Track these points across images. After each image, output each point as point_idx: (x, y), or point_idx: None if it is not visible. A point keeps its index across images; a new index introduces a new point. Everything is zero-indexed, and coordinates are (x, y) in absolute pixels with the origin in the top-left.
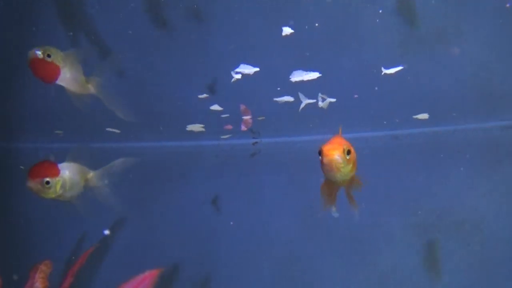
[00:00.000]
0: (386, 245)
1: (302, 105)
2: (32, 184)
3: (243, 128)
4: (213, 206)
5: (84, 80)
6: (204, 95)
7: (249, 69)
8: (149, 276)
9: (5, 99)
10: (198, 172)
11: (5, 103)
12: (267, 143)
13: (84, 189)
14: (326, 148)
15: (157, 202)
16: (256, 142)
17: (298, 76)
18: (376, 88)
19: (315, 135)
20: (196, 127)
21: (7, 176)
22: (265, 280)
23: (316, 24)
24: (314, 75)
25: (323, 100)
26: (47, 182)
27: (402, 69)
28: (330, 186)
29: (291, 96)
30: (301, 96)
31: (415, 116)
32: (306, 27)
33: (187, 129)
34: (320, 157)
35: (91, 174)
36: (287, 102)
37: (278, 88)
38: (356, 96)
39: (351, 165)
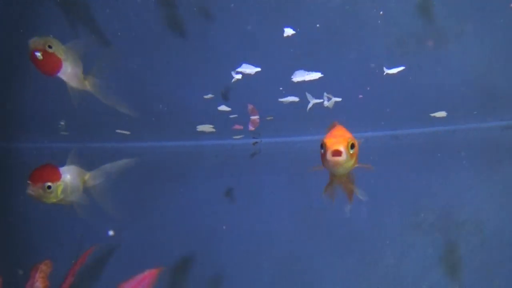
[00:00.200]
0: (386, 245)
1: (310, 105)
2: (33, 189)
3: (251, 128)
4: (228, 198)
5: (82, 77)
6: (210, 95)
7: (250, 69)
8: (149, 275)
9: (5, 99)
10: (198, 172)
11: (5, 103)
12: (267, 143)
13: (83, 191)
14: (330, 142)
15: (157, 202)
16: (256, 142)
17: (300, 76)
18: (369, 89)
19: (315, 135)
20: (207, 128)
21: (7, 176)
22: (265, 280)
23: (317, 25)
24: (316, 75)
25: (329, 99)
26: (49, 187)
27: (402, 69)
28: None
29: (295, 96)
30: (308, 96)
31: (432, 114)
32: (308, 27)
33: (198, 129)
34: (322, 150)
35: (87, 176)
36: (292, 102)
37: (281, 88)
38: (360, 96)
39: (354, 160)
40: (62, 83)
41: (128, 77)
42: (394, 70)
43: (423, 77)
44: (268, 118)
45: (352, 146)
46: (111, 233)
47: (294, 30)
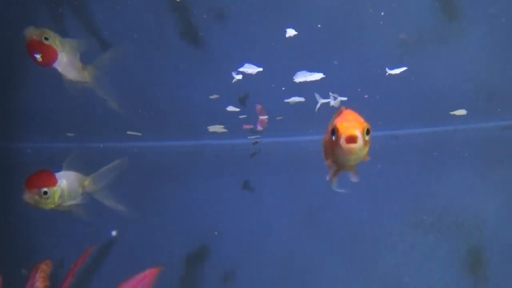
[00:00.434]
0: (386, 245)
1: (318, 105)
2: (29, 195)
3: (259, 128)
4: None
5: (81, 67)
6: (215, 96)
7: (252, 69)
8: (149, 275)
9: (5, 99)
10: (198, 172)
11: (5, 103)
12: (267, 143)
13: (82, 196)
14: (344, 127)
15: (157, 202)
16: (256, 142)
17: (302, 77)
18: (362, 91)
19: (316, 135)
20: (217, 128)
21: (7, 176)
22: (265, 280)
23: (319, 25)
24: (318, 76)
25: (335, 98)
26: (45, 193)
27: (404, 70)
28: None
29: (299, 96)
30: (317, 96)
31: (452, 112)
32: (309, 28)
33: (209, 130)
34: (333, 137)
35: (87, 180)
36: (295, 103)
37: (283, 88)
38: (366, 96)
39: (367, 149)
40: (62, 83)
41: (128, 77)
42: (396, 71)
43: (424, 77)
44: (278, 118)
45: (368, 132)
46: (114, 233)
47: (296, 31)
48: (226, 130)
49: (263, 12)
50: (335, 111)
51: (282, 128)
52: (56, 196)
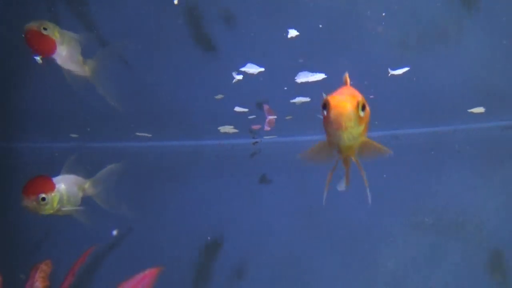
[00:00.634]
0: (386, 245)
1: None
2: (27, 202)
3: (266, 128)
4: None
5: (81, 61)
6: (220, 96)
7: (254, 69)
8: (149, 274)
9: (5, 99)
10: (198, 172)
11: (5, 103)
12: (267, 143)
13: (83, 199)
14: (335, 100)
15: (157, 202)
16: (256, 142)
17: (304, 77)
18: (368, 91)
19: (316, 135)
20: (228, 129)
21: (7, 176)
22: (265, 280)
23: (320, 26)
24: (320, 76)
25: None
26: (43, 199)
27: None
28: (331, 150)
29: (303, 96)
30: (324, 96)
31: (470, 110)
32: (310, 28)
33: (220, 130)
34: (324, 111)
35: (87, 184)
36: (304, 103)
37: (285, 88)
38: (371, 96)
39: (363, 127)
40: (62, 83)
41: (128, 77)
42: (399, 71)
43: (424, 77)
44: (287, 118)
45: (363, 108)
46: (115, 233)
47: (297, 31)
48: (237, 131)
49: (265, 12)
50: None
51: (282, 128)
52: (55, 202)
